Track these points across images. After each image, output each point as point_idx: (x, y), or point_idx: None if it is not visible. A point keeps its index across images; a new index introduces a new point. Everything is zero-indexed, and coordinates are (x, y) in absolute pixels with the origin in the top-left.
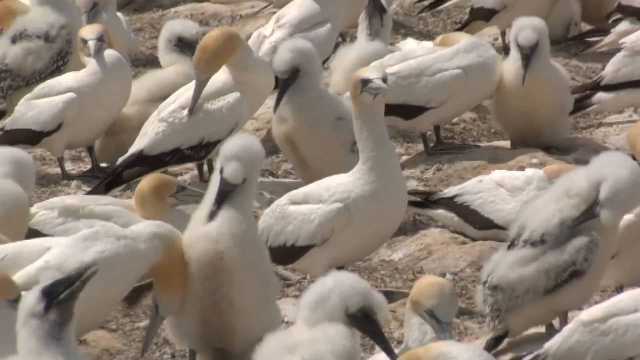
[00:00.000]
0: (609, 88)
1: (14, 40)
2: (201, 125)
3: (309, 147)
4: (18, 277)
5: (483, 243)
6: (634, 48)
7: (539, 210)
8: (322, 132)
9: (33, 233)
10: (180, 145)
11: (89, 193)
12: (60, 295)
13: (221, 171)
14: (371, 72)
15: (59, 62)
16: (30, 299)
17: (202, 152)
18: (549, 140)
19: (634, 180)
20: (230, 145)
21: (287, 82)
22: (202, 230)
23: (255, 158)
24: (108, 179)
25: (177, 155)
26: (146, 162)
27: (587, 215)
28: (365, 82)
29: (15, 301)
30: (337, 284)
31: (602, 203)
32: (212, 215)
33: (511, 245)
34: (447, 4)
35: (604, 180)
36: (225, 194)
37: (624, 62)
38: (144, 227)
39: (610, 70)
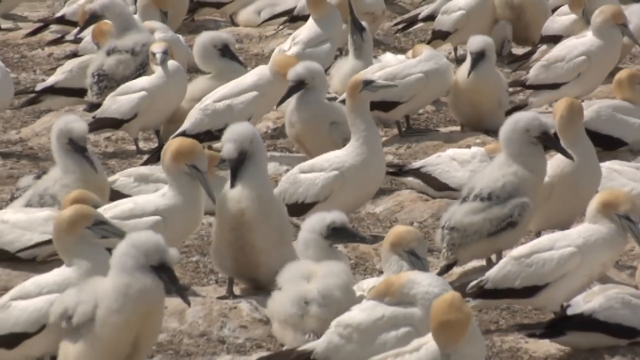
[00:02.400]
0: (531, 87)
1: (108, 54)
2: (225, 115)
3: (312, 145)
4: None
5: (441, 200)
6: (549, 60)
7: (486, 176)
8: (321, 135)
9: (115, 194)
10: (210, 128)
11: (143, 164)
12: (168, 281)
13: None
14: (370, 75)
15: (141, 70)
16: (154, 247)
17: None
18: (489, 125)
19: None
20: (225, 132)
21: (293, 89)
22: (229, 193)
23: (244, 137)
24: (158, 153)
25: (208, 135)
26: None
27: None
28: (367, 82)
29: (92, 226)
30: (304, 228)
31: None
32: (232, 185)
33: (463, 201)
34: (414, 27)
35: None
36: (234, 168)
37: (541, 70)
38: None
39: (532, 74)
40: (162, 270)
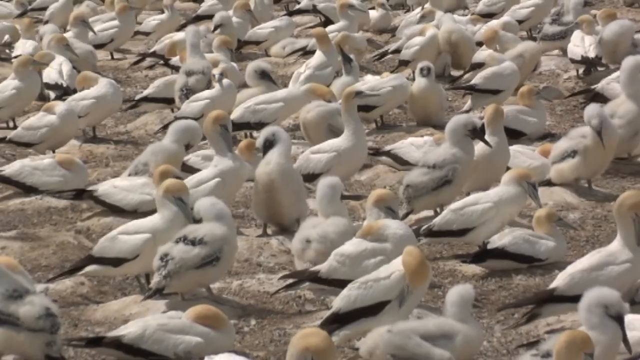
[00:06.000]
0: (479, 90)
1: (187, 75)
2: (260, 114)
3: (311, 132)
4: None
5: (404, 172)
6: (488, 74)
7: (434, 153)
8: (320, 129)
9: (189, 168)
10: (249, 121)
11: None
12: None
13: None
14: (361, 88)
15: (209, 86)
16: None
17: (259, 127)
18: (435, 122)
19: None
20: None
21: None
22: (264, 168)
23: (266, 131)
24: None
25: (247, 125)
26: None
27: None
28: (358, 92)
29: (178, 199)
30: (328, 185)
31: None
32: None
33: None
34: (386, 57)
35: None
36: (264, 149)
37: (487, 80)
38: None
39: (481, 82)
40: None
